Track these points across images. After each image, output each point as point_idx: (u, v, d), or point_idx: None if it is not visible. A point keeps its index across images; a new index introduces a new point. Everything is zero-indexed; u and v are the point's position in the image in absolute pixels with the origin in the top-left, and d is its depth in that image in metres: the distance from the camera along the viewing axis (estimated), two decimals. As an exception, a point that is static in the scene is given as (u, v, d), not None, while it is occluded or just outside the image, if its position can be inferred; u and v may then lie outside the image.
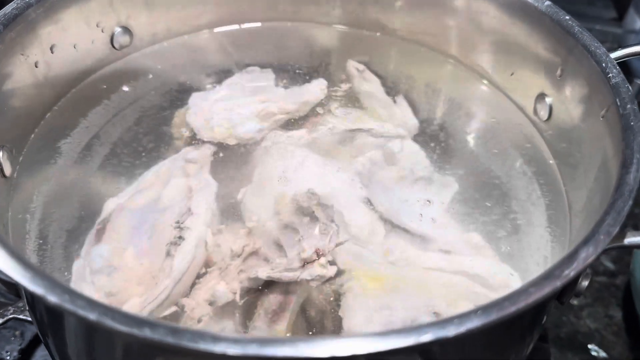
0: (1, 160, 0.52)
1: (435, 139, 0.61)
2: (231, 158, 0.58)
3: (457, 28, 0.67)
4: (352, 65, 0.67)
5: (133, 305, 0.45)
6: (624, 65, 0.52)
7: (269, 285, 0.47)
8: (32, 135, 0.58)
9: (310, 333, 0.46)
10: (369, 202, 0.53)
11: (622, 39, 1.03)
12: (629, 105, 0.46)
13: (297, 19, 0.72)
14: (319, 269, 0.47)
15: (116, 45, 0.66)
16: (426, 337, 0.31)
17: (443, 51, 0.69)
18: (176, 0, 0.68)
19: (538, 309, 0.42)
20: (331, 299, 0.47)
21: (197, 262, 0.48)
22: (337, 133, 0.60)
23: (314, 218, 0.50)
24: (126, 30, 0.66)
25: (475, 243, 0.51)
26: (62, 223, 0.52)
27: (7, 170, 0.52)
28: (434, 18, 0.68)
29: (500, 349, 0.42)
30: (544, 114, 0.60)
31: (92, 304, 0.32)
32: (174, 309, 0.46)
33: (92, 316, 0.32)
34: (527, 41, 0.60)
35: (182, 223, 0.50)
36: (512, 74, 0.64)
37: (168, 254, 0.48)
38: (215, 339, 0.30)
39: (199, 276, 0.48)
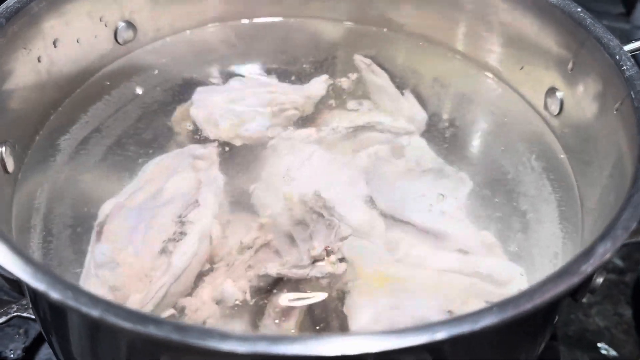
0: (4, 156, 0.51)
1: (444, 134, 0.60)
2: (238, 155, 0.57)
3: (465, 22, 0.66)
4: (359, 59, 0.67)
5: (133, 302, 0.44)
6: (634, 59, 0.51)
7: (278, 284, 0.46)
8: (35, 132, 0.57)
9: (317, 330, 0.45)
10: (370, 199, 0.53)
11: (630, 34, 1.02)
12: (644, 98, 0.45)
13: (302, 15, 0.72)
14: (329, 267, 0.46)
15: (120, 40, 0.65)
16: (440, 334, 0.30)
17: (450, 46, 0.68)
18: (180, -6, 0.67)
19: (552, 307, 0.41)
20: (337, 297, 0.46)
21: (200, 258, 0.47)
22: (344, 129, 0.59)
23: (320, 216, 0.50)
24: (130, 25, 0.65)
25: (488, 242, 0.50)
26: (66, 219, 0.51)
27: (10, 166, 0.52)
28: (442, 13, 0.67)
29: (511, 348, 0.42)
30: (554, 108, 0.59)
31: (95, 300, 0.32)
32: (171, 311, 0.44)
33: (95, 313, 0.31)
34: (537, 34, 0.59)
35: (184, 217, 0.49)
36: (521, 68, 0.63)
37: (164, 250, 0.47)
38: (223, 336, 0.30)
39: (203, 273, 0.47)
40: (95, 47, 0.63)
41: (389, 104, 0.63)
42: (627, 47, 0.51)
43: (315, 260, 0.47)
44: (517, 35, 0.62)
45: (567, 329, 0.65)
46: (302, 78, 0.65)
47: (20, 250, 0.35)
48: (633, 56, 0.51)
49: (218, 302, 0.45)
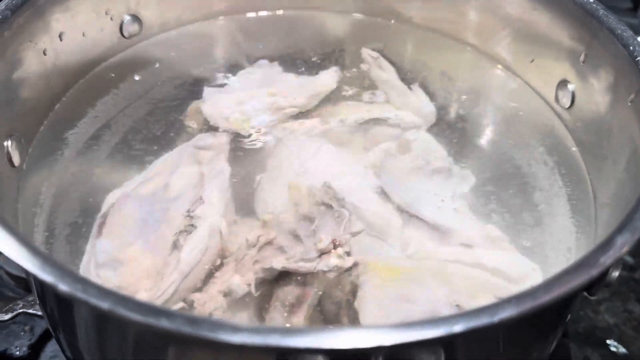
0: (10, 149, 0.51)
1: (453, 127, 0.60)
2: (244, 148, 0.56)
3: (475, 14, 0.65)
4: (367, 53, 0.66)
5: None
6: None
7: (284, 276, 0.46)
8: (41, 126, 0.57)
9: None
10: (383, 192, 0.52)
11: (638, 29, 1.01)
12: (659, 89, 0.45)
13: (309, 7, 0.71)
14: (336, 260, 0.45)
15: (125, 33, 0.65)
16: (458, 327, 0.29)
17: (460, 38, 0.67)
18: (186, -12, 0.67)
19: (567, 302, 0.40)
20: (347, 291, 0.45)
21: (211, 253, 0.47)
22: (350, 123, 0.59)
23: (329, 207, 0.49)
24: (135, 18, 0.65)
25: (493, 236, 0.50)
26: (71, 215, 0.51)
27: (16, 160, 0.51)
28: (451, 5, 0.66)
29: (525, 346, 0.41)
30: (566, 101, 0.58)
31: (104, 292, 0.31)
32: (181, 305, 0.44)
33: (104, 305, 0.30)
34: (548, 26, 0.58)
35: (192, 212, 0.48)
36: (532, 61, 0.62)
37: (175, 245, 0.46)
38: (235, 329, 0.29)
39: (215, 268, 0.46)
40: (100, 41, 0.63)
41: (396, 98, 0.62)
42: (639, 40, 0.50)
43: (322, 254, 0.46)
44: (527, 27, 0.61)
45: (576, 325, 0.65)
46: (310, 70, 0.65)
47: (28, 243, 0.35)
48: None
49: (225, 295, 0.44)
